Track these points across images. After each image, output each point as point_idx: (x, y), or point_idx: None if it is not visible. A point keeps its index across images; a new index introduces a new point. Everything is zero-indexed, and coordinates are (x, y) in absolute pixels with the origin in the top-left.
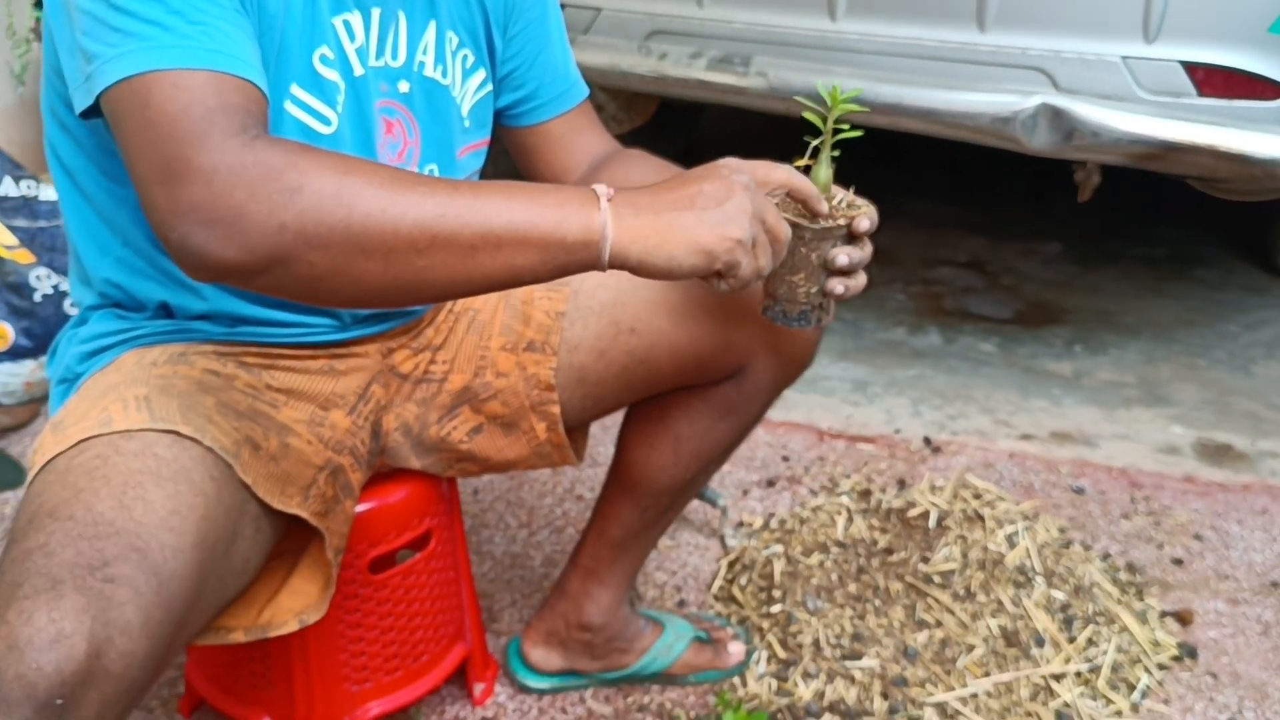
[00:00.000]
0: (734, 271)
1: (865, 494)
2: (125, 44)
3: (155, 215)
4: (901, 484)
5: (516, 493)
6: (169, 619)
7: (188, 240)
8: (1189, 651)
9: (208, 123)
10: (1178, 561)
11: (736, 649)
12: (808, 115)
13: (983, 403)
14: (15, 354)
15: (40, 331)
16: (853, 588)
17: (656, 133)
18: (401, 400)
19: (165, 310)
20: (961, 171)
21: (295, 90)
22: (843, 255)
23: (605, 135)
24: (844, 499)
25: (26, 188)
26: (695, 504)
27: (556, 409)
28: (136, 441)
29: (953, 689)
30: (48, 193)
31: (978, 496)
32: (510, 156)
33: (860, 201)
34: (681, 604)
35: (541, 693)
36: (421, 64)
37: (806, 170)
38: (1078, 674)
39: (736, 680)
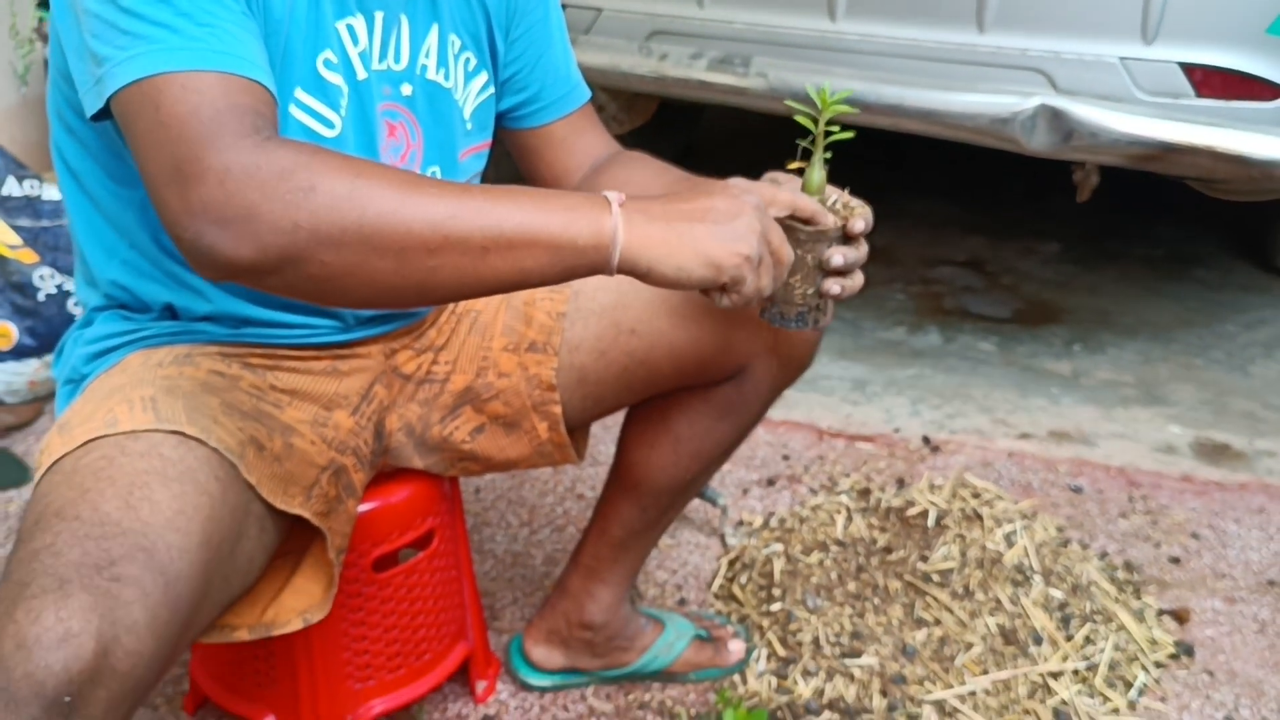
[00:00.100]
0: (738, 287)
1: (864, 493)
2: (134, 46)
3: (168, 215)
4: (900, 483)
5: (518, 491)
6: (175, 618)
7: (201, 240)
8: (1186, 649)
9: (218, 124)
10: (1175, 560)
11: (736, 647)
12: (799, 118)
13: (981, 402)
14: (19, 353)
15: (44, 331)
16: (852, 586)
17: (657, 133)
18: (404, 401)
19: (170, 312)
20: (961, 171)
21: (299, 94)
22: (838, 256)
23: (607, 137)
24: (843, 498)
25: (30, 187)
26: (696, 503)
27: (558, 409)
28: (142, 442)
29: (951, 687)
30: (51, 192)
31: (976, 495)
32: (511, 158)
33: (855, 202)
34: (682, 602)
35: (543, 690)
36: (424, 67)
37: (799, 173)
38: (1075, 672)
39: (737, 678)
